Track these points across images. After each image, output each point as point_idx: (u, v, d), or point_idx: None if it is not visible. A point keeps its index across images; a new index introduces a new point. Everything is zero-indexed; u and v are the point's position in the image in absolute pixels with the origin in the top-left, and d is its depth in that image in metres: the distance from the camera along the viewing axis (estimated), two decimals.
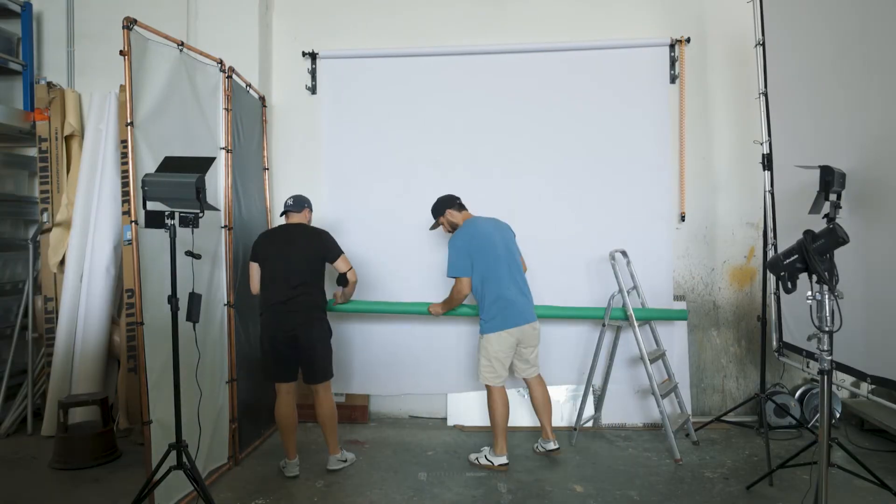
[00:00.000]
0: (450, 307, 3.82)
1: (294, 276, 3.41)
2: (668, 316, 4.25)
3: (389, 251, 4.49)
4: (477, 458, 3.67)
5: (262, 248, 3.52)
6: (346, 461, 3.62)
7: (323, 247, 3.53)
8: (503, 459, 3.59)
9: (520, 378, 3.80)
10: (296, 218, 3.63)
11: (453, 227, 3.76)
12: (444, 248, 4.34)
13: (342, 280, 3.61)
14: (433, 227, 3.91)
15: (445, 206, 3.78)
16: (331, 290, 3.76)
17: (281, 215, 3.70)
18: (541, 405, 3.78)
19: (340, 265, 3.56)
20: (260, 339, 3.52)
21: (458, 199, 3.81)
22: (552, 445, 3.72)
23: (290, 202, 3.65)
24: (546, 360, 4.35)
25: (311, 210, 3.72)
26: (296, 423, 3.51)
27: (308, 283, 3.45)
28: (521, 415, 4.32)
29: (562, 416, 4.35)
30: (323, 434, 3.58)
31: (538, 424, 4.30)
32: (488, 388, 3.65)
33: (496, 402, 3.62)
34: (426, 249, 4.45)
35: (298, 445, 3.95)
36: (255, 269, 3.53)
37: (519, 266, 3.71)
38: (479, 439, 4.10)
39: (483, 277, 3.58)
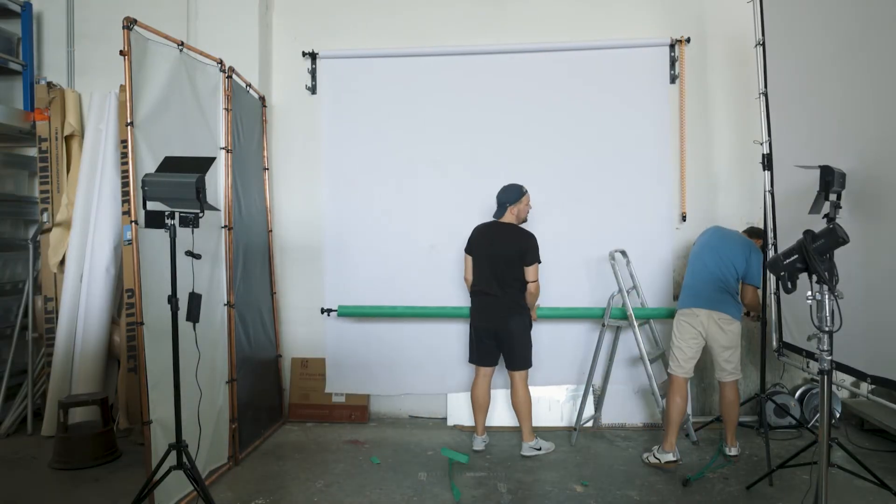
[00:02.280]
0: None
1: (497, 272, 3.70)
2: (669, 315, 4.24)
3: (390, 250, 4.50)
4: (647, 457, 3.63)
5: (473, 240, 3.85)
6: (539, 449, 3.76)
7: (522, 249, 3.69)
8: (670, 456, 3.51)
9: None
10: (505, 219, 3.79)
11: None
12: (445, 247, 4.36)
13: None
14: None
15: None
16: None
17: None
18: (725, 411, 3.68)
19: (529, 273, 3.72)
20: (469, 322, 3.91)
21: None
22: (734, 451, 3.66)
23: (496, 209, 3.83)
24: (546, 360, 4.36)
25: (516, 204, 3.77)
26: (486, 404, 3.90)
27: (509, 279, 3.69)
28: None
29: (561, 415, 4.35)
30: (518, 421, 3.83)
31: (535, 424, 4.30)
32: (669, 376, 3.66)
33: (672, 394, 3.57)
34: (427, 248, 4.47)
35: (298, 445, 3.97)
36: (467, 260, 3.88)
37: (718, 277, 3.56)
38: None
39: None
